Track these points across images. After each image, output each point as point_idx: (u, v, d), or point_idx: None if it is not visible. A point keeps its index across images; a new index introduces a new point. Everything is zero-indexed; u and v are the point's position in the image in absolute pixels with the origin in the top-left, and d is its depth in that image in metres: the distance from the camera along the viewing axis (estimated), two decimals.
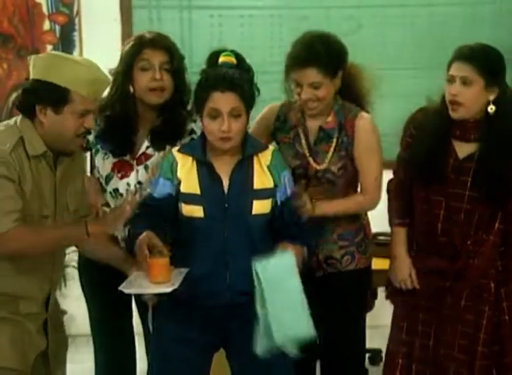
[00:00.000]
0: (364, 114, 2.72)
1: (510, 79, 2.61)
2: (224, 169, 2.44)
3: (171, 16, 4.24)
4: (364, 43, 4.23)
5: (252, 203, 2.43)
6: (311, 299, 2.51)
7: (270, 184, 2.46)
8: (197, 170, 2.44)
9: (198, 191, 2.41)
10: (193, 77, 2.67)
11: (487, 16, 4.35)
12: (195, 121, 2.70)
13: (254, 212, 2.43)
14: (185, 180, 2.43)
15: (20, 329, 2.36)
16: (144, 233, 2.33)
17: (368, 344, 3.62)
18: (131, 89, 2.69)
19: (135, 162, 2.70)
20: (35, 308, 2.37)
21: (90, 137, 2.64)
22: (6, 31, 4.09)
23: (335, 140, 2.71)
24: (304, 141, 2.73)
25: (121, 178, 2.69)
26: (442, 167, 2.63)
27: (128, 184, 2.69)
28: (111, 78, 2.57)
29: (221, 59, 2.44)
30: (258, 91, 2.49)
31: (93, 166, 2.78)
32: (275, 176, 2.47)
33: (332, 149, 2.70)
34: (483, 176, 2.59)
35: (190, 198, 2.41)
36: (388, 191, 2.85)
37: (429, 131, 2.66)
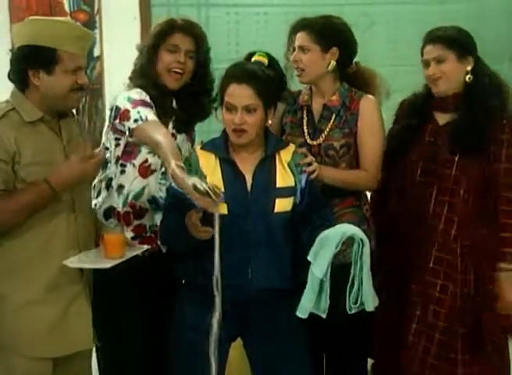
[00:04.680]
0: (369, 95, 2.77)
1: None
2: (247, 167, 2.46)
3: (189, 13, 4.24)
4: (377, 40, 4.32)
5: (275, 201, 2.43)
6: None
7: (291, 182, 2.47)
8: (221, 168, 2.46)
9: (222, 189, 2.39)
10: None
11: (498, 12, 4.39)
12: (216, 109, 2.70)
13: (276, 210, 2.43)
14: (209, 177, 2.42)
15: (60, 311, 2.39)
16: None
17: None
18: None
19: None
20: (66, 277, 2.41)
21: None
22: None
23: (334, 116, 2.74)
24: (305, 120, 2.79)
25: None
26: (421, 131, 2.72)
27: None
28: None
29: (253, 58, 2.50)
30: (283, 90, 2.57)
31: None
32: (296, 175, 2.49)
33: (330, 124, 2.74)
34: (457, 133, 2.66)
35: None
36: None
37: (411, 108, 2.78)
